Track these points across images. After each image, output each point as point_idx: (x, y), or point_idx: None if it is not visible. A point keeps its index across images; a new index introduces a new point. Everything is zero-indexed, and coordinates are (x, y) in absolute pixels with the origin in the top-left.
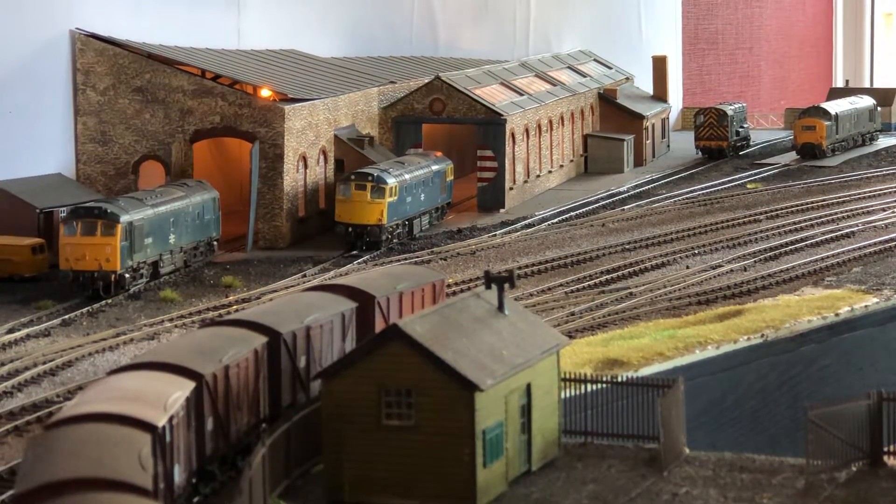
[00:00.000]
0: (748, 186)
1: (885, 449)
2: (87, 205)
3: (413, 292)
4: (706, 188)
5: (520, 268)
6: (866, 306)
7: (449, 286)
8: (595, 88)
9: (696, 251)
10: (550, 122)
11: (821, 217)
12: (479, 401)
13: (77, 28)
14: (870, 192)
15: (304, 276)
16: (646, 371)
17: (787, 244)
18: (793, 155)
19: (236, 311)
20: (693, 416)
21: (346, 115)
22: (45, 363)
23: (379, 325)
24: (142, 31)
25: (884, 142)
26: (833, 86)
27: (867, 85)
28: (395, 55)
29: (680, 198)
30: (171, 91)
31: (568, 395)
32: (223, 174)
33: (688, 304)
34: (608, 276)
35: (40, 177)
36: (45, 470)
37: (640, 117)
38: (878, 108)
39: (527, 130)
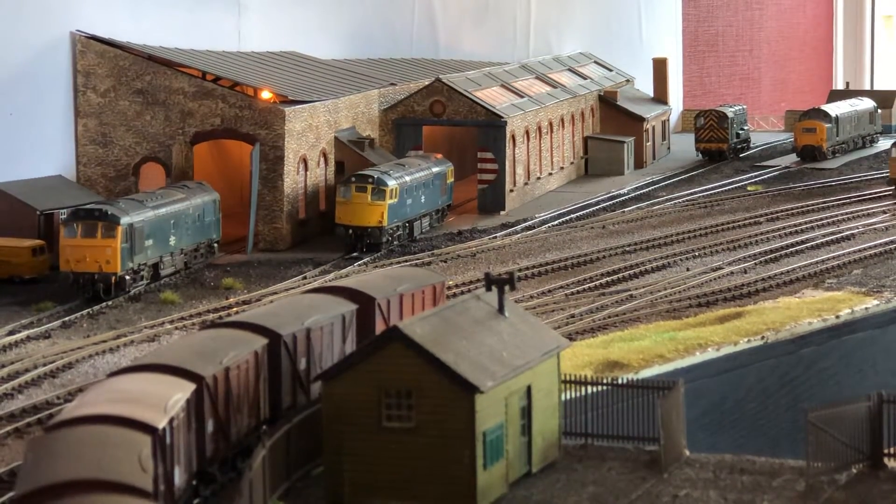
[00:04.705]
0: (748, 189)
1: (886, 451)
2: (88, 207)
3: (413, 294)
4: (706, 190)
5: (520, 270)
6: (867, 308)
7: (449, 288)
8: (595, 90)
9: (697, 253)
10: (551, 124)
11: (821, 219)
12: (480, 402)
13: (78, 30)
14: (870, 194)
15: (305, 278)
16: (646, 373)
17: (787, 246)
18: (793, 157)
19: (237, 312)
20: (693, 418)
21: (347, 117)
22: (45, 365)
23: (379, 327)
24: (142, 32)
25: (884, 144)
26: (833, 88)
27: (867, 87)
28: (396, 57)
29: (680, 200)
30: (171, 93)
31: (568, 396)
32: (223, 176)
33: (688, 306)
34: (608, 279)
35: (41, 178)
36: (46, 472)
37: (641, 119)
38: (879, 111)
39: (527, 132)
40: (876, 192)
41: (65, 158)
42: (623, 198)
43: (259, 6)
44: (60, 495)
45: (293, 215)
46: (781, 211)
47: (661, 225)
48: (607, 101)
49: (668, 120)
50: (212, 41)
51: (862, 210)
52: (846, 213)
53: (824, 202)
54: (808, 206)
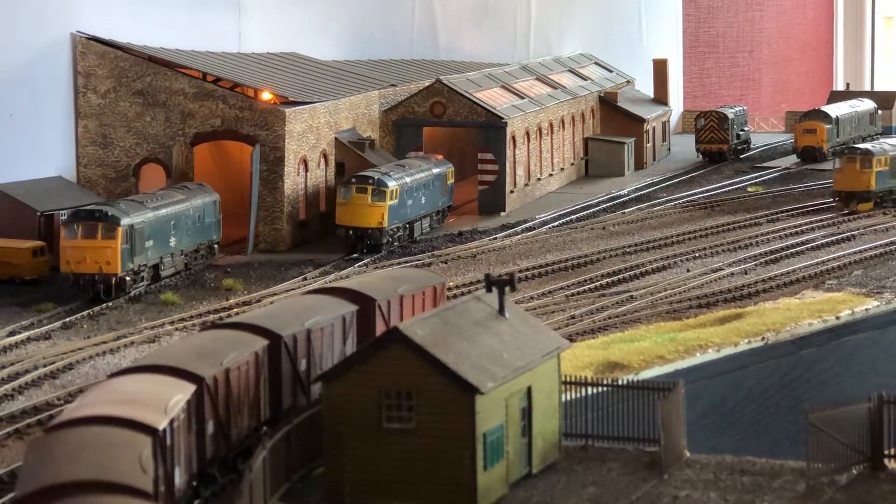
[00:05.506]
0: (749, 189)
1: (886, 452)
2: (88, 208)
3: (414, 295)
4: (707, 191)
5: (520, 271)
6: (867, 309)
7: (450, 289)
8: (596, 91)
9: (697, 254)
10: (551, 125)
11: (821, 220)
12: (480, 404)
13: (78, 31)
14: (812, 205)
15: (305, 279)
16: (646, 374)
17: (787, 247)
18: (793, 158)
19: (237, 313)
20: (693, 419)
21: (347, 118)
22: (45, 366)
23: (380, 328)
24: (143, 33)
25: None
26: (833, 89)
27: (868, 88)
28: (396, 58)
29: (680, 201)
30: (171, 94)
31: (568, 398)
32: (224, 177)
33: (688, 307)
34: (609, 280)
35: (41, 180)
36: (46, 473)
37: (641, 120)
38: (879, 112)
39: (527, 133)
40: (818, 204)
41: (65, 159)
42: (623, 199)
43: (259, 7)
44: (61, 496)
45: (293, 216)
46: (781, 212)
47: (662, 226)
48: (608, 103)
49: (669, 121)
50: (212, 42)
51: (862, 210)
52: (846, 214)
53: (824, 203)
54: (808, 206)
